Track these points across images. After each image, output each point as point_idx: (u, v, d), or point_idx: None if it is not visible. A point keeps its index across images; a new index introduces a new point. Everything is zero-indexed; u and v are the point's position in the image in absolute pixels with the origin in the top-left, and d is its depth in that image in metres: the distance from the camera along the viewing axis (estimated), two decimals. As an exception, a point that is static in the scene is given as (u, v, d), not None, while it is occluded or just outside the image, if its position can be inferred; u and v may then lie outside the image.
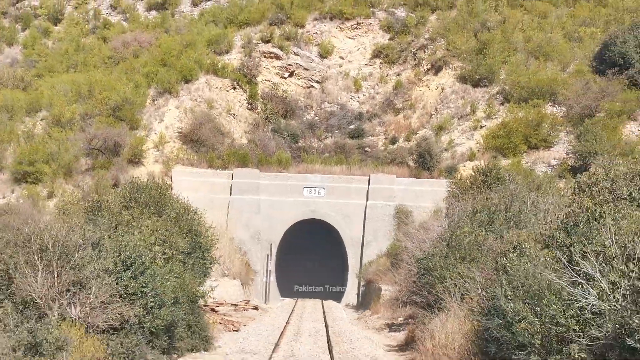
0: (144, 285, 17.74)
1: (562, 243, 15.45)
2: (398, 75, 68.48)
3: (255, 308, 37.53)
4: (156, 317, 18.06)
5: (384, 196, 50.67)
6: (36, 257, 16.91)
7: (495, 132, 54.54)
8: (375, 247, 48.52)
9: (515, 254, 17.31)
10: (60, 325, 15.46)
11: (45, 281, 16.79)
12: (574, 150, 50.41)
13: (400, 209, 49.26)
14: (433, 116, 62.33)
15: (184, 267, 23.79)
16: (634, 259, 13.03)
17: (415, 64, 68.28)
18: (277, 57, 69.27)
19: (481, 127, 57.38)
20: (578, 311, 13.41)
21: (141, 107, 57.59)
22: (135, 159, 51.01)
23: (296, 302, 46.08)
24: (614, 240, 13.52)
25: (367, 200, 50.86)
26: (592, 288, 13.30)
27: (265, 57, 68.45)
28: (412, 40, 69.43)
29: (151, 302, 17.86)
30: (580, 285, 13.49)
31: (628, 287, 12.60)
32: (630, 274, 12.69)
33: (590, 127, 49.98)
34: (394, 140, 61.67)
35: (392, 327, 30.18)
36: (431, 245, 26.94)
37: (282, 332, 27.25)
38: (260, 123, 62.57)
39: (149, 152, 52.60)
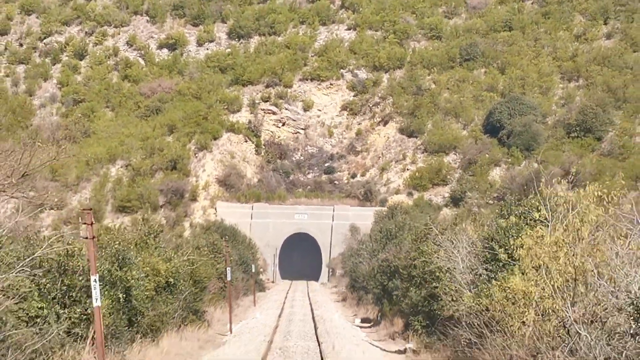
0: (253, 267, 79.02)
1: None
2: (359, 124, 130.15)
3: (273, 281, 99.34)
4: (255, 278, 79.59)
5: (343, 219, 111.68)
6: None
7: (413, 175, 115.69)
8: (338, 249, 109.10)
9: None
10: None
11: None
12: (454, 189, 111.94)
13: (352, 226, 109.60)
14: (380, 158, 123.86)
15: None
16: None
17: (371, 116, 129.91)
18: (274, 113, 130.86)
19: (407, 170, 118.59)
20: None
21: (187, 159, 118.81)
22: (193, 198, 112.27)
23: (292, 282, 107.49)
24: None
25: (333, 221, 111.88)
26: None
27: (265, 113, 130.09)
28: (369, 98, 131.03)
29: (257, 271, 79.30)
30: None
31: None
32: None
33: (464, 176, 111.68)
34: (354, 175, 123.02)
35: (337, 287, 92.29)
36: (349, 251, 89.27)
37: (289, 287, 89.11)
38: (264, 165, 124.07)
39: (200, 193, 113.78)
